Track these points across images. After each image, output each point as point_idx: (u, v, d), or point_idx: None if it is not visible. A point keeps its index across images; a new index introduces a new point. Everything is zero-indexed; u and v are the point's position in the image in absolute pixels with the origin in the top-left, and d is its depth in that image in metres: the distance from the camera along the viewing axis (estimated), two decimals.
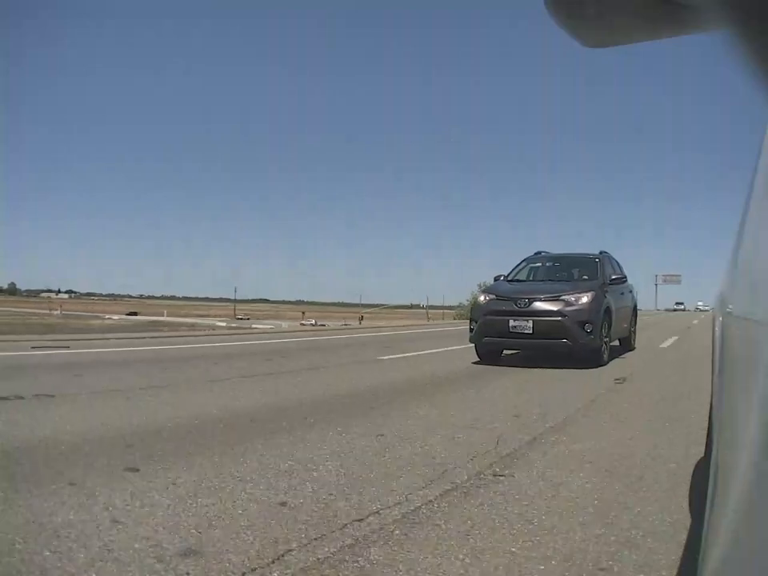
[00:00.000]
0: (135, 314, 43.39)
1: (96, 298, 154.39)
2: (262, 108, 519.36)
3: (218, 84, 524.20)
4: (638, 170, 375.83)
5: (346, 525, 2.23)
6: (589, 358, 7.22)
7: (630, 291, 9.45)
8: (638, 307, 10.47)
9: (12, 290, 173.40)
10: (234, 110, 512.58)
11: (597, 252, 8.80)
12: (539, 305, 7.03)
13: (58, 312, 37.38)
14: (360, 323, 28.66)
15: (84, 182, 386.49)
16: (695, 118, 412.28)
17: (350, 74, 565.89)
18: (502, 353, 7.77)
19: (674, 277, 73.23)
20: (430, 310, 40.43)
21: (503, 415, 4.22)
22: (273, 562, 1.93)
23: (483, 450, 3.28)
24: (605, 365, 7.36)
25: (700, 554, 0.58)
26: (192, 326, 23.77)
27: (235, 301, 59.05)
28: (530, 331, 6.93)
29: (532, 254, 9.11)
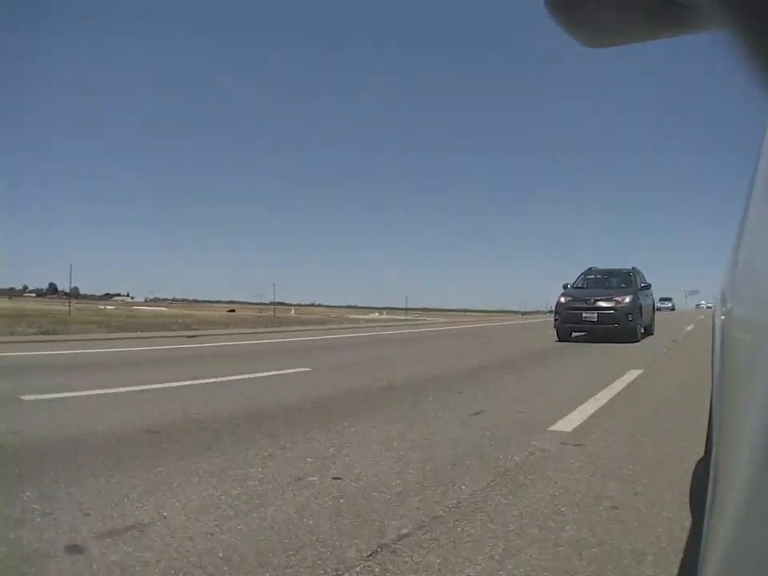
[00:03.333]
0: (234, 311, 38.49)
1: (171, 301, 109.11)
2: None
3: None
4: (646, 178, 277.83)
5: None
6: (629, 337, 8.61)
7: (651, 294, 10.68)
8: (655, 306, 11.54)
9: (74, 294, 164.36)
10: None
11: (630, 267, 10.40)
12: (600, 303, 8.89)
13: (292, 313, 35.14)
14: (522, 315, 32.65)
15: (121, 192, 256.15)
16: (694, 119, 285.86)
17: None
18: (571, 334, 9.21)
19: (694, 291, 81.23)
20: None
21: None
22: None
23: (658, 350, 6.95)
24: (638, 341, 8.64)
25: (700, 554, 0.53)
26: (403, 321, 23.64)
27: (407, 309, 54.00)
28: (595, 319, 8.80)
29: (586, 268, 10.85)
